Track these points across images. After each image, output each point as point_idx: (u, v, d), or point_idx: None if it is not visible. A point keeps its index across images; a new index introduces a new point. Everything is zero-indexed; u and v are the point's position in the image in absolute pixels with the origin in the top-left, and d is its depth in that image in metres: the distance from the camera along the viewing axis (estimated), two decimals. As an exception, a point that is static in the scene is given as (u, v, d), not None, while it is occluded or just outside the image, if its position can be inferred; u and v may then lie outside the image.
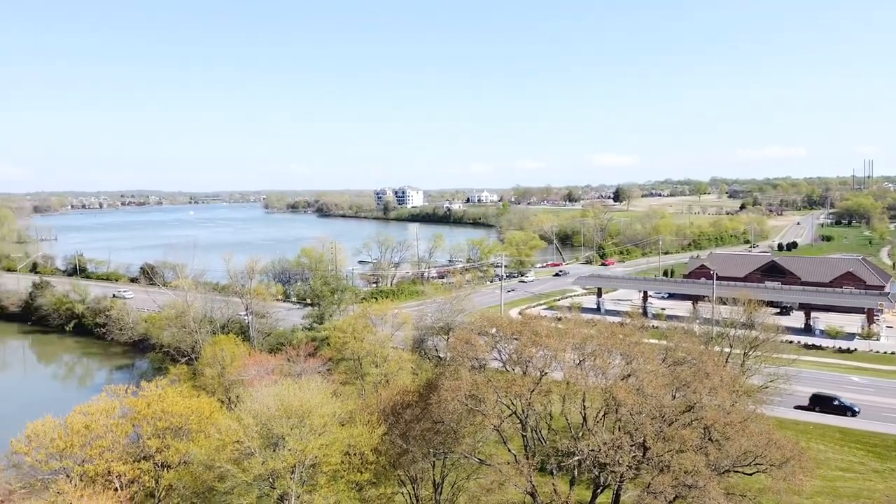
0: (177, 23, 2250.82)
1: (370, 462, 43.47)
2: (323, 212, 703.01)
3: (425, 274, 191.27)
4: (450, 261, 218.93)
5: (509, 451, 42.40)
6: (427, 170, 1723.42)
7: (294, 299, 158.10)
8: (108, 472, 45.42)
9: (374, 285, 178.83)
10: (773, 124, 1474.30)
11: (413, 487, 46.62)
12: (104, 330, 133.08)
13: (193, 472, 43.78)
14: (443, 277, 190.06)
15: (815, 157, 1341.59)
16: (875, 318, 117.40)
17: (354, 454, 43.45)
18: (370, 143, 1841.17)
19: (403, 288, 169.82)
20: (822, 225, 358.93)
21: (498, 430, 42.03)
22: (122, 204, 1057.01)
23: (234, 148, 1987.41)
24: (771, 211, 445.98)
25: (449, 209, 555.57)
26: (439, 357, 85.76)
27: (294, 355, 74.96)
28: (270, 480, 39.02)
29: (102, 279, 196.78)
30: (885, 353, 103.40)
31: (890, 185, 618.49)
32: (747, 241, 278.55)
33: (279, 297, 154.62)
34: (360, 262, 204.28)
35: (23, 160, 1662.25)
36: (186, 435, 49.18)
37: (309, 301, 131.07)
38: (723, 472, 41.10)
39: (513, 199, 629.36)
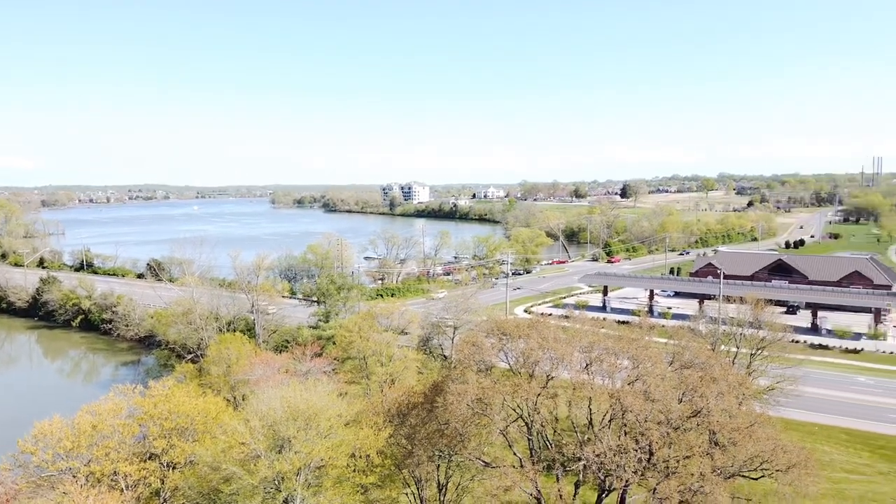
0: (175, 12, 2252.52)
1: (376, 465, 43.52)
2: (329, 207, 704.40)
3: (431, 271, 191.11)
4: (455, 258, 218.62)
5: (515, 454, 42.34)
6: (434, 165, 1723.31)
7: (300, 296, 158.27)
8: (115, 472, 45.47)
9: (380, 282, 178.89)
10: (779, 120, 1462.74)
11: (417, 488, 46.64)
12: (110, 326, 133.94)
13: (199, 472, 43.85)
14: (448, 275, 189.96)
15: (823, 153, 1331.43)
16: (882, 317, 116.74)
17: (360, 456, 43.50)
18: (377, 139, 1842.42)
19: (409, 285, 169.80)
20: (830, 222, 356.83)
21: (504, 434, 41.96)
22: (130, 198, 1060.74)
23: (240, 143, 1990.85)
24: (779, 208, 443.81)
25: (455, 205, 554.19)
26: (445, 356, 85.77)
27: (300, 354, 75.02)
28: (276, 483, 39.06)
29: (110, 274, 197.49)
30: (893, 353, 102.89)
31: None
32: (755, 239, 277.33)
33: (285, 294, 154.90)
34: (366, 258, 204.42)
35: (34, 154, 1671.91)
36: (192, 435, 49.30)
37: (315, 299, 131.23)
38: (729, 477, 40.98)
39: (519, 195, 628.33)
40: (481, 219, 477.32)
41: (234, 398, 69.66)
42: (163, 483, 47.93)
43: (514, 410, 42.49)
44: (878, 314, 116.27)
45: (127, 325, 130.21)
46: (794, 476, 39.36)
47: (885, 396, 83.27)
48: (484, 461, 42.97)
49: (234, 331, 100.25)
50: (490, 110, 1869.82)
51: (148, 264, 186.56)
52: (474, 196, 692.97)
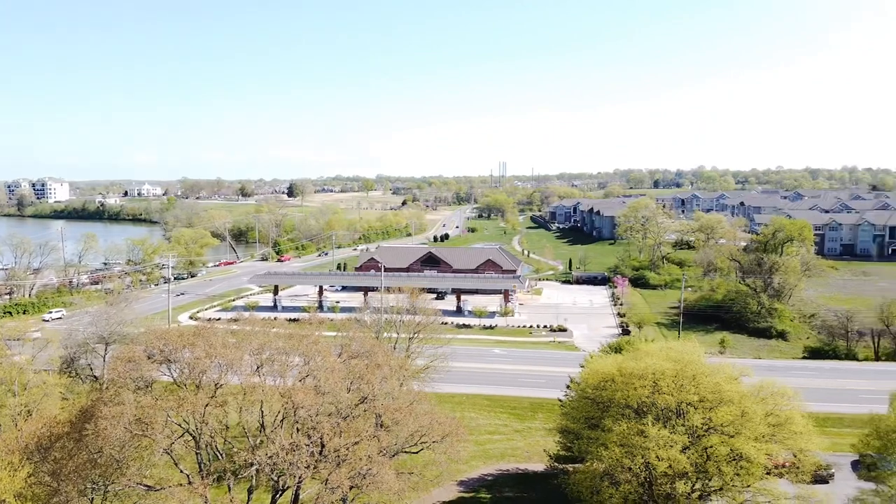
0: None
1: (11, 513, 36.94)
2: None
3: (75, 281, 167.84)
4: (105, 264, 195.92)
5: (182, 472, 39.90)
6: (75, 157, 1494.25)
7: None
8: None
9: (8, 297, 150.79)
10: (432, 126, 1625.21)
11: (68, 530, 40.84)
12: None
13: None
14: (97, 284, 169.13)
15: (462, 158, 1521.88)
16: (510, 297, 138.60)
17: (-12, 507, 36.47)
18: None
19: (47, 298, 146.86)
20: (469, 218, 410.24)
21: (169, 452, 39.21)
22: None
23: None
24: (427, 206, 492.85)
25: (103, 204, 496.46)
26: (95, 377, 76.47)
27: None
28: None
29: None
30: (519, 326, 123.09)
31: (519, 183, 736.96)
32: (409, 234, 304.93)
33: None
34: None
35: None
36: None
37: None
38: (393, 455, 44.69)
39: (180, 193, 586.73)
40: (136, 219, 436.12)
41: None
42: None
43: (180, 426, 40.03)
44: (506, 295, 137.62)
45: None
46: (447, 444, 44.67)
47: (515, 364, 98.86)
48: (146, 485, 39.61)
49: None
50: (137, 93, 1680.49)
51: None
52: (126, 194, 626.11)
